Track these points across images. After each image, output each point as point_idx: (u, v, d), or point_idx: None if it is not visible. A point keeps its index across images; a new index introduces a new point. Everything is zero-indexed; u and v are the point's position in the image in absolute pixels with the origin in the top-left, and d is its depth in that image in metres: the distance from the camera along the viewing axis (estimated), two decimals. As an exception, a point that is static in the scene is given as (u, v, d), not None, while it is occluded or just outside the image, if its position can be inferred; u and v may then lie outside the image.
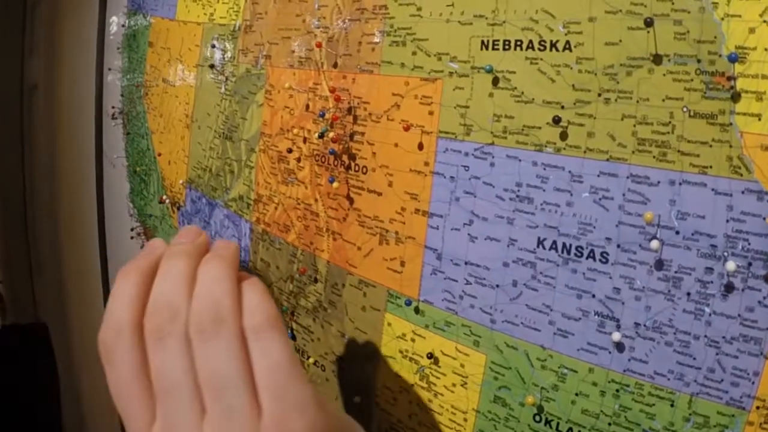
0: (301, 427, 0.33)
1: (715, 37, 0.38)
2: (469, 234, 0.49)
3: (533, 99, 0.45)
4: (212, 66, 0.74)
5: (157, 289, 0.35)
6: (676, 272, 0.39)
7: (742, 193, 0.37)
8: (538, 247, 0.45)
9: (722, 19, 0.38)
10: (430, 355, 0.52)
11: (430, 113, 0.51)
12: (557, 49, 0.44)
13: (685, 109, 0.39)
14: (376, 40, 0.55)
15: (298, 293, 0.63)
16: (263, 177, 0.68)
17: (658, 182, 0.40)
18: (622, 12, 0.41)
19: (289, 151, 0.63)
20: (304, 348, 0.64)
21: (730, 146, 0.37)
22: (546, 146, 0.45)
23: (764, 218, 0.36)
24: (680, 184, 0.39)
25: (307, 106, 0.62)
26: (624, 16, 0.41)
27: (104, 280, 1.21)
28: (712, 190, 0.38)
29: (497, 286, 0.48)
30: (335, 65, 0.59)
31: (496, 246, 0.48)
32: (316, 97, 0.61)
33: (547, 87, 0.44)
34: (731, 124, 0.37)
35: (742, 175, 0.37)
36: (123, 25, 1.05)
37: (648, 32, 0.40)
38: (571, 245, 0.44)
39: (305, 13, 0.63)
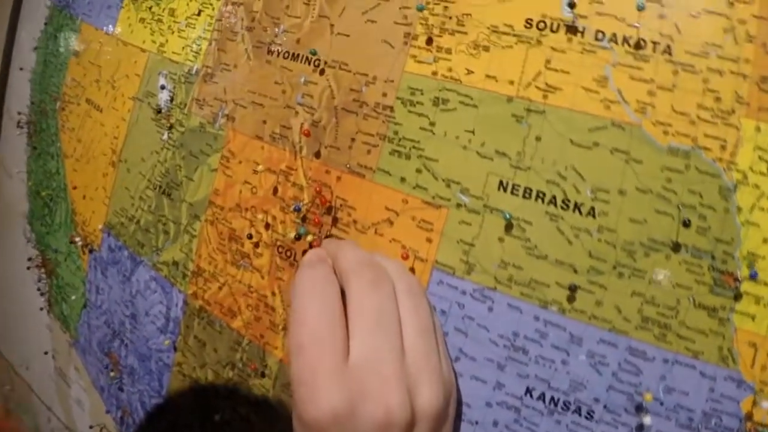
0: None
1: (732, 239, 0.38)
2: (454, 370, 0.45)
3: (546, 256, 0.42)
4: (159, 111, 0.62)
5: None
6: (654, 436, 0.40)
7: (725, 379, 0.38)
8: (525, 395, 0.43)
9: (743, 224, 0.38)
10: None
11: (428, 240, 0.46)
12: (580, 213, 0.41)
13: (691, 299, 0.39)
14: (374, 142, 0.49)
15: (240, 383, 0.55)
16: (207, 251, 0.58)
17: (654, 358, 0.40)
18: (652, 193, 0.40)
19: (249, 237, 0.54)
20: (237, 439, 0.56)
21: (724, 338, 0.38)
22: (551, 305, 0.42)
23: (738, 402, 0.38)
24: (673, 363, 0.40)
25: (276, 190, 0.54)
26: (654, 197, 0.39)
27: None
28: (700, 372, 0.39)
29: (476, 422, 0.45)
30: (317, 155, 0.52)
31: (481, 386, 0.44)
32: (288, 182, 0.53)
33: (563, 247, 0.42)
34: (729, 319, 0.38)
35: (728, 364, 0.38)
36: (45, 23, 0.85)
37: (673, 220, 0.39)
38: (559, 399, 0.42)
39: (286, 83, 0.54)
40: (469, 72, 0.46)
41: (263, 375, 0.54)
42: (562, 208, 0.42)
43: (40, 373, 0.81)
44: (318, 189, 0.51)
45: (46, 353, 0.79)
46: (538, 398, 0.43)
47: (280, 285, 0.54)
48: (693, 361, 0.39)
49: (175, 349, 0.60)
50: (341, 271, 0.42)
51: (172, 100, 0.61)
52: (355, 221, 0.50)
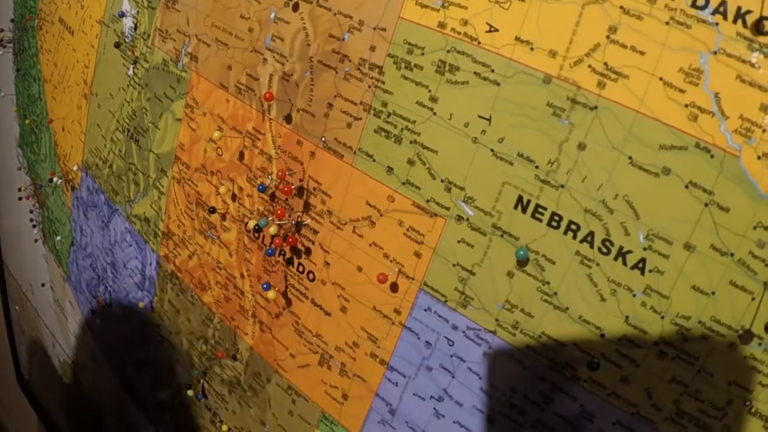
0: None
1: None
2: (435, 409, 0.34)
3: (567, 308, 0.28)
4: (117, 45, 0.46)
5: None
6: None
7: None
8: (518, 457, 0.32)
9: None
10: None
11: (417, 255, 0.32)
12: (625, 263, 0.26)
13: (747, 403, 0.25)
14: (356, 113, 0.34)
15: (213, 358, 0.46)
16: (176, 213, 0.46)
17: None
18: (732, 257, 0.24)
19: (212, 211, 0.41)
20: (217, 411, 0.48)
21: None
22: (563, 368, 0.29)
23: None
24: None
25: (242, 155, 0.40)
26: (733, 264, 0.24)
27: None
28: None
29: (457, 467, 0.34)
30: (288, 119, 0.37)
31: (466, 434, 0.33)
32: (255, 149, 0.39)
33: (592, 303, 0.27)
34: None
35: None
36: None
37: (753, 300, 0.24)
38: (555, 471, 0.31)
39: (253, 18, 0.38)
40: (492, 30, 0.29)
41: (235, 358, 0.45)
42: (600, 251, 0.27)
43: (42, 301, 0.76)
44: (285, 166, 0.37)
45: (43, 285, 0.73)
46: (531, 462, 0.32)
47: (248, 268, 0.42)
48: None
49: (153, 309, 0.51)
50: None
51: (135, 28, 0.46)
52: (329, 212, 0.35)
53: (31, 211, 0.71)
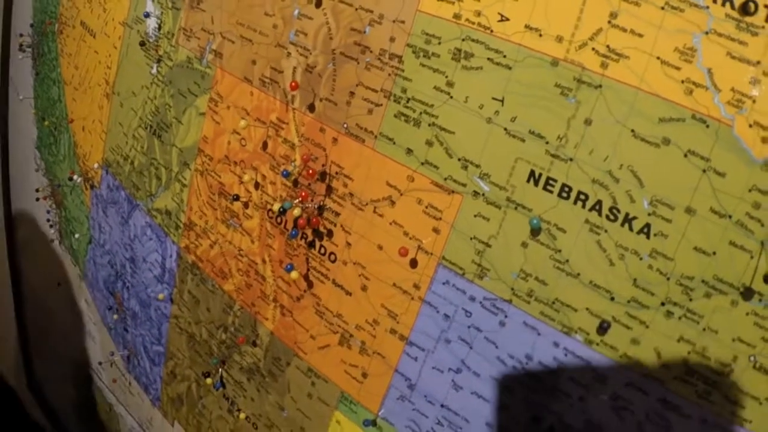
0: None
1: None
2: (453, 381, 0.35)
3: (578, 274, 0.30)
4: (142, 44, 0.49)
5: None
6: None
7: None
8: (532, 423, 0.33)
9: None
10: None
11: (436, 231, 0.34)
12: (631, 228, 0.28)
13: (752, 359, 0.27)
14: (377, 100, 0.36)
15: (232, 346, 0.48)
16: (198, 204, 0.48)
17: (689, 416, 0.29)
18: (731, 219, 0.26)
19: (236, 198, 0.43)
20: (235, 399, 0.49)
21: None
22: (576, 332, 0.31)
23: None
24: (713, 425, 0.29)
25: (265, 145, 0.42)
26: (732, 225, 0.26)
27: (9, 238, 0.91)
28: None
29: (474, 439, 0.36)
30: (311, 108, 0.39)
31: (483, 404, 0.34)
32: (279, 138, 0.41)
33: (601, 268, 0.29)
34: None
35: None
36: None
37: (751, 258, 0.26)
38: (570, 436, 0.32)
39: (277, 15, 0.41)
40: (504, 19, 0.31)
41: (255, 344, 0.46)
42: (608, 218, 0.29)
43: (58, 300, 0.77)
44: (308, 152, 0.39)
45: (59, 285, 0.74)
46: (546, 430, 0.33)
47: (270, 253, 0.44)
48: (737, 428, 0.28)
49: (172, 301, 0.53)
50: None
51: (159, 28, 0.48)
52: (351, 194, 0.38)
53: (48, 212, 0.72)
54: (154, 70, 0.49)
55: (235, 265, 0.46)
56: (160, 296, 0.52)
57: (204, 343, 0.50)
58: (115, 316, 0.59)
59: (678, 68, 0.27)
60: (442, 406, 0.36)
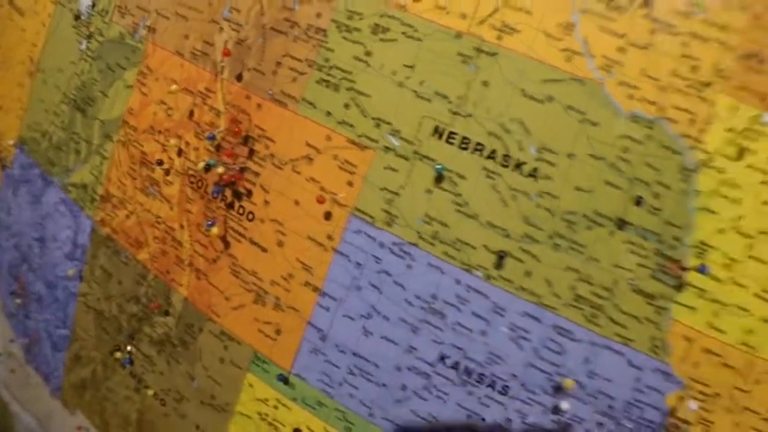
0: None
1: (685, 225, 0.31)
2: (364, 327, 0.37)
3: (477, 215, 0.34)
4: (77, 17, 0.50)
5: None
6: (568, 419, 0.34)
7: (653, 371, 0.33)
8: (439, 362, 0.36)
9: (699, 209, 0.31)
10: (297, 431, 0.41)
11: (350, 184, 0.37)
12: (521, 173, 0.33)
13: (630, 282, 0.32)
14: (302, 69, 0.39)
15: (143, 318, 0.47)
16: (117, 175, 0.48)
17: (580, 339, 0.33)
18: (605, 161, 0.31)
19: (159, 163, 0.44)
20: (143, 376, 0.48)
21: (658, 328, 0.32)
22: (476, 269, 0.34)
23: (663, 395, 0.33)
24: (601, 347, 0.33)
25: (191, 113, 0.44)
26: (606, 166, 0.31)
27: None
28: (628, 361, 0.33)
29: (384, 385, 0.37)
30: (239, 78, 0.42)
31: (392, 348, 0.37)
32: (206, 106, 0.43)
33: (496, 209, 0.34)
34: (667, 309, 0.32)
35: (659, 356, 0.32)
36: None
37: (623, 194, 0.31)
38: (473, 370, 0.35)
39: (212, -6, 0.44)
40: (417, -1, 0.37)
41: (167, 313, 0.46)
42: (501, 164, 0.33)
43: None
44: (233, 117, 0.42)
45: None
46: (452, 367, 0.36)
47: (189, 218, 0.45)
48: (622, 347, 0.33)
49: (81, 278, 0.51)
50: None
51: (93, 5, 0.50)
52: (272, 155, 0.40)
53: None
54: (83, 46, 0.50)
55: (152, 233, 0.46)
56: (70, 272, 0.50)
57: (113, 319, 0.48)
58: (18, 300, 0.56)
59: (560, 39, 0.32)
60: (353, 354, 0.38)
